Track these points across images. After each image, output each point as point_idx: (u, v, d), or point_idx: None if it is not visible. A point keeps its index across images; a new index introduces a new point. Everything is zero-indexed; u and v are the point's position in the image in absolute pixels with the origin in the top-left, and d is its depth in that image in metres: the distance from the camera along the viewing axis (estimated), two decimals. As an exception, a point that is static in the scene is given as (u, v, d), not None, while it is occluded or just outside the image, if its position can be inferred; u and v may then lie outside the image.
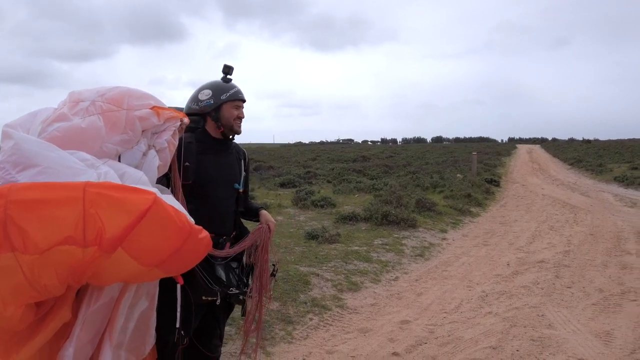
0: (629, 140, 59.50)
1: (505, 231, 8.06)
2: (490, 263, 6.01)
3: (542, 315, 4.10)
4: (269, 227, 2.42)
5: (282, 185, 14.54)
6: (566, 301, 4.47)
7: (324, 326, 3.96)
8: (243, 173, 2.49)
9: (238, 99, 2.34)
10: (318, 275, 5.04)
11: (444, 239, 7.52)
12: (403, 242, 6.91)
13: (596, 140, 68.76)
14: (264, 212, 2.52)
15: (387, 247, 6.53)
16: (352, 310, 4.36)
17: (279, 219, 8.67)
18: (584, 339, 3.57)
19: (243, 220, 2.51)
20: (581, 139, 72.70)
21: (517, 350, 3.40)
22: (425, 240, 7.22)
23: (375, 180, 15.14)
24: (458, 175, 15.70)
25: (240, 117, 2.36)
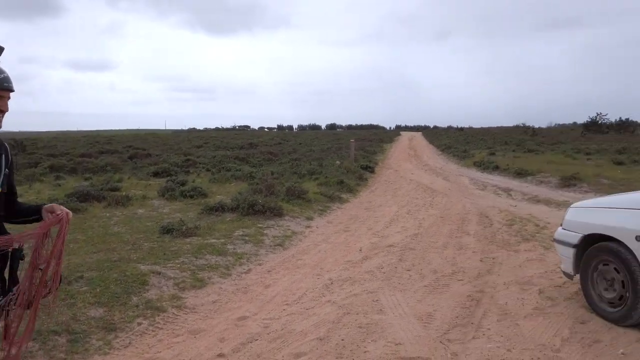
0: (496, 127, 66.17)
1: (367, 216, 8.36)
2: (345, 249, 6.14)
3: (377, 300, 4.23)
4: (57, 217, 1.99)
5: (156, 174, 13.74)
6: (403, 284, 4.67)
7: (152, 331, 3.68)
8: (5, 171, 2.11)
9: (3, 88, 1.96)
10: (160, 273, 4.71)
11: (308, 226, 7.58)
12: (265, 232, 6.81)
13: (469, 128, 75.36)
14: (48, 205, 2.14)
15: (247, 238, 6.38)
16: (190, 309, 4.13)
17: (139, 212, 8.11)
18: (407, 323, 3.73)
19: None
20: (455, 127, 79.30)
21: (342, 340, 3.44)
22: (289, 229, 7.20)
23: (255, 168, 14.96)
24: (337, 162, 16.09)
25: (2, 110, 1.97)
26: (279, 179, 11.68)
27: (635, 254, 3.32)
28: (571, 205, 4.15)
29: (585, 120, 37.87)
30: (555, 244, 4.21)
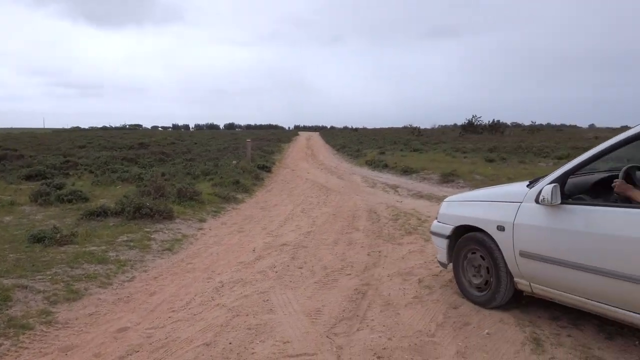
0: (387, 128, 69.90)
1: (263, 216, 8.33)
2: (238, 250, 6.05)
3: (268, 300, 4.22)
4: None
5: (29, 177, 12.39)
6: (294, 282, 4.71)
7: (15, 351, 3.30)
8: None
9: None
10: (27, 287, 4.25)
11: (201, 229, 7.35)
12: (153, 236, 6.46)
13: (363, 129, 78.69)
14: None
15: (132, 243, 6.00)
16: (62, 324, 3.77)
17: (6, 219, 7.24)
18: (296, 320, 3.77)
19: None
20: (350, 127, 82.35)
21: (230, 343, 3.37)
22: (180, 232, 6.91)
23: (145, 169, 14.16)
24: (233, 162, 15.83)
25: None
26: (170, 180, 11.17)
27: (497, 242, 3.68)
28: (444, 200, 4.49)
29: (463, 122, 41.42)
30: (432, 236, 4.53)
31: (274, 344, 3.35)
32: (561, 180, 3.23)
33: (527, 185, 3.55)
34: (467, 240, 4.02)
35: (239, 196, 10.33)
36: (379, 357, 3.15)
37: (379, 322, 3.71)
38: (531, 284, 3.51)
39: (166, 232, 6.80)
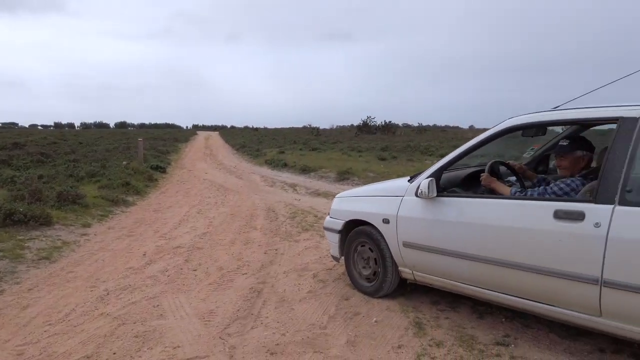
0: (287, 128, 70.46)
1: (155, 219, 7.94)
2: (127, 255, 5.70)
3: (158, 305, 4.04)
4: None
5: None
6: (187, 285, 4.57)
7: None
8: None
9: None
10: None
11: (85, 234, 6.80)
12: (27, 244, 5.86)
13: (264, 128, 78.48)
14: None
15: (2, 253, 5.38)
16: None
17: None
18: (188, 324, 3.66)
19: None
20: (251, 127, 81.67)
21: (114, 353, 3.17)
22: (59, 239, 6.34)
23: (20, 171, 12.76)
24: (123, 162, 14.89)
25: None
26: (49, 183, 10.20)
27: (383, 234, 3.88)
28: (336, 196, 4.64)
29: (358, 123, 43.14)
30: (325, 232, 4.66)
31: (163, 350, 3.22)
32: (437, 175, 3.50)
33: (409, 180, 3.79)
34: (357, 234, 4.19)
35: (130, 199, 9.75)
36: (272, 354, 3.17)
37: (274, 318, 3.73)
38: (414, 272, 3.76)
39: (43, 239, 6.20)
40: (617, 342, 3.11)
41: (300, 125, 62.15)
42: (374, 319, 3.67)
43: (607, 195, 2.62)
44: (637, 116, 2.67)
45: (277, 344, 3.29)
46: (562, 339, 3.24)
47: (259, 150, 22.88)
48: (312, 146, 24.67)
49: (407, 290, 4.17)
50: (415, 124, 47.83)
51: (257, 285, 4.51)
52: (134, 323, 3.67)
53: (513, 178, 3.95)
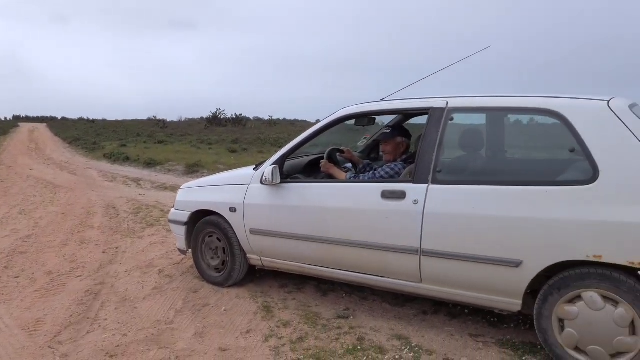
0: (130, 120, 65.36)
1: (-37, 223, 6.74)
2: None
3: (-33, 320, 3.46)
4: None
5: None
6: (7, 295, 3.99)
7: None
8: None
9: None
10: None
11: None
12: None
13: (103, 120, 71.66)
14: None
15: None
16: None
17: None
18: (9, 337, 3.21)
19: None
20: (87, 118, 73.96)
21: None
22: None
23: None
24: None
25: None
26: None
27: (231, 223, 3.87)
28: (181, 187, 4.49)
29: (208, 115, 42.04)
30: (170, 225, 4.48)
31: (-25, 369, 2.78)
32: (279, 162, 3.59)
33: (254, 169, 3.85)
34: (204, 225, 4.11)
35: None
36: (111, 356, 2.96)
37: (113, 320, 3.48)
38: (261, 258, 3.83)
39: None
40: (436, 305, 3.60)
41: (145, 117, 58.23)
42: (223, 308, 3.66)
43: (422, 175, 2.94)
44: (444, 107, 3.02)
45: (118, 346, 3.08)
46: (392, 307, 3.62)
47: (96, 144, 20.84)
48: (158, 139, 23.31)
49: (256, 277, 4.25)
50: (266, 117, 48.22)
51: (94, 287, 4.14)
52: None
53: (350, 164, 4.28)
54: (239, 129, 35.18)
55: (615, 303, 2.45)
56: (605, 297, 2.46)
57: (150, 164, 13.39)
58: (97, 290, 4.07)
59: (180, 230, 4.27)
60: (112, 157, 15.40)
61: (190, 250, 4.32)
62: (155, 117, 47.28)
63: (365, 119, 3.72)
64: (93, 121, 60.12)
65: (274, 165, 3.53)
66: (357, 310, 3.58)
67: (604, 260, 2.43)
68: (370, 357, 2.85)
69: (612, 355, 2.48)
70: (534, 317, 2.70)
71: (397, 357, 2.85)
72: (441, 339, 3.06)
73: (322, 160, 3.76)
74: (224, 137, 24.15)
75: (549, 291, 2.60)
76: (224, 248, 4.03)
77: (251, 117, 49.37)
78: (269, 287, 4.05)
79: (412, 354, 2.88)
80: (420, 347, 2.95)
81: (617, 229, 2.39)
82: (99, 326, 3.38)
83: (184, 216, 4.22)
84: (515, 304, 2.74)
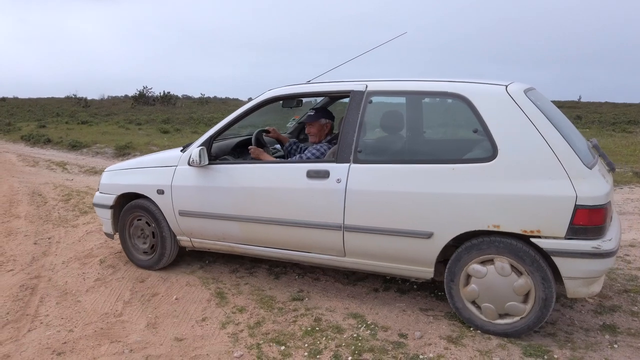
0: (46, 98, 60.52)
1: None
2: None
3: None
4: None
5: None
6: None
7: None
8: None
9: None
10: None
11: None
12: None
13: (14, 99, 65.79)
14: None
15: None
16: None
17: None
18: (-64, 340, 2.94)
19: None
20: (-4, 95, 67.38)
21: None
22: None
23: None
24: None
25: None
26: None
27: (159, 205, 3.83)
28: (105, 170, 4.36)
29: (134, 93, 39.91)
30: (96, 208, 4.33)
31: None
32: (207, 144, 3.60)
33: (181, 150, 3.84)
34: (131, 208, 4.03)
35: None
36: (59, 354, 2.81)
37: (56, 315, 3.29)
38: (191, 239, 3.85)
39: None
40: (386, 282, 3.74)
41: (63, 96, 54.14)
42: (174, 296, 3.57)
43: (344, 155, 3.11)
44: (364, 90, 3.18)
45: (65, 342, 2.93)
46: (345, 286, 3.72)
47: (10, 125, 19.13)
48: (80, 119, 21.83)
49: (205, 263, 4.18)
50: (196, 96, 46.54)
51: (29, 281, 3.88)
52: None
53: (278, 146, 4.41)
54: (168, 108, 33.78)
55: (520, 274, 2.75)
56: (513, 267, 2.75)
57: (75, 146, 12.57)
58: (32, 284, 3.82)
59: (106, 214, 4.15)
60: (31, 139, 14.26)
61: (117, 235, 4.22)
62: (75, 95, 44.21)
63: (293, 101, 3.81)
64: (3, 99, 55.05)
65: (201, 147, 3.54)
66: (310, 291, 3.63)
67: (502, 229, 2.70)
68: (329, 337, 2.93)
69: (500, 315, 2.84)
70: (445, 272, 2.97)
71: (354, 335, 2.94)
72: (394, 315, 3.20)
73: (250, 147, 3.78)
74: (154, 117, 23.11)
75: (462, 252, 2.87)
76: (153, 231, 3.97)
77: (180, 96, 47.48)
78: (219, 273, 4.00)
79: (368, 331, 2.99)
80: (376, 324, 3.07)
81: (513, 201, 2.65)
82: (41, 323, 3.18)
83: (110, 199, 4.10)
84: (428, 271, 3.02)
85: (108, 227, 4.17)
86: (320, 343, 2.86)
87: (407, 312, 3.26)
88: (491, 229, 2.73)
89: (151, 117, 23.39)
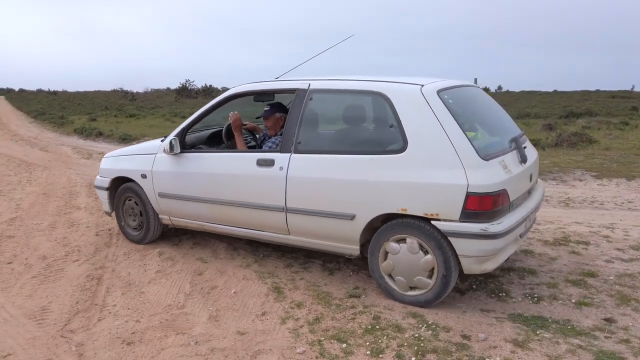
0: (93, 92, 62.85)
1: (-63, 206, 6.42)
2: None
3: (-33, 311, 3.34)
4: None
5: None
6: (4, 281, 3.87)
7: None
8: None
9: None
10: None
11: None
12: None
13: (64, 92, 68.70)
14: None
15: None
16: None
17: None
18: (16, 326, 3.13)
19: None
20: (47, 90, 70.62)
21: None
22: None
23: None
24: None
25: None
26: None
27: (143, 188, 4.37)
28: (104, 156, 4.91)
29: (177, 86, 40.85)
30: (96, 190, 4.89)
31: (-11, 363, 2.70)
32: (180, 135, 4.09)
33: (161, 140, 4.30)
34: (123, 190, 4.60)
35: None
36: (129, 344, 2.92)
37: (123, 305, 3.43)
38: (170, 218, 4.36)
39: None
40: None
41: (109, 89, 56.05)
42: (233, 290, 3.65)
43: (287, 146, 3.52)
44: (307, 88, 3.56)
45: (133, 333, 3.05)
46: (401, 284, 3.68)
47: (64, 118, 20.03)
48: (128, 112, 22.60)
49: (260, 257, 4.24)
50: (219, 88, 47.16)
51: (94, 271, 4.05)
52: (-62, 338, 2.98)
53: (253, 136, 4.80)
54: (210, 100, 34.39)
55: (426, 252, 3.12)
56: (421, 246, 3.12)
57: (125, 139, 13.01)
58: (98, 275, 3.98)
59: (104, 195, 4.77)
60: (84, 132, 14.87)
61: (114, 213, 4.78)
62: (121, 88, 45.71)
63: (264, 95, 4.09)
64: (55, 93, 57.57)
65: (174, 138, 4.03)
66: (366, 288, 3.62)
67: (408, 212, 3.07)
68: (389, 336, 2.91)
69: (411, 287, 3.26)
70: (369, 248, 3.35)
71: (416, 335, 2.91)
72: (455, 316, 3.15)
73: (231, 113, 4.15)
74: (197, 110, 23.58)
75: (381, 232, 3.26)
76: (140, 211, 4.52)
77: (220, 88, 48.26)
78: (274, 267, 4.05)
79: (430, 331, 2.95)
80: (437, 325, 3.03)
81: (417, 188, 3.01)
82: (109, 313, 3.32)
83: (106, 182, 4.70)
84: (355, 249, 3.42)
85: (106, 206, 4.79)
86: (381, 342, 2.85)
87: (468, 312, 3.20)
88: (400, 212, 3.09)
89: (194, 110, 23.86)
